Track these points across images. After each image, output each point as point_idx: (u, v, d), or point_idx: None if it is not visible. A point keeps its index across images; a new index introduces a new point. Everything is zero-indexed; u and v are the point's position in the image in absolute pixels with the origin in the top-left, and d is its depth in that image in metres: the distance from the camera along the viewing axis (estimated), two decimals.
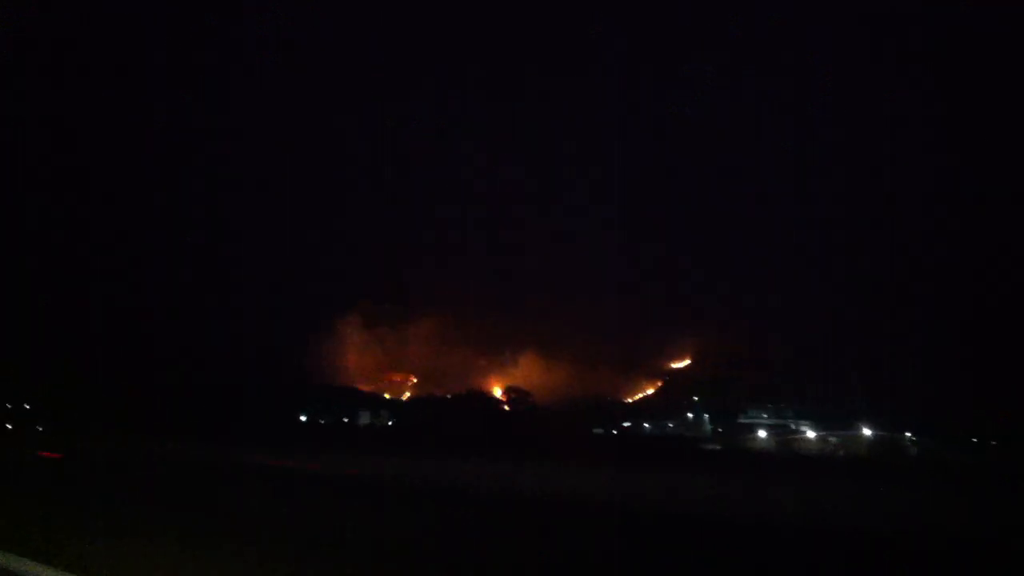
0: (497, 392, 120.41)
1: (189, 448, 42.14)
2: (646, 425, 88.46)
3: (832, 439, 64.77)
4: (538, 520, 16.26)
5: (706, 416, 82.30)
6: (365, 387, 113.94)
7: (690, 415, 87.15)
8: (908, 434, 63.13)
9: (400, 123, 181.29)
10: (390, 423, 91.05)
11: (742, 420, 76.99)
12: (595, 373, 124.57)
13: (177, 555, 11.15)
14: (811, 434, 67.69)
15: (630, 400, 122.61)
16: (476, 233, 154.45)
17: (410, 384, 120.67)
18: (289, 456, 37.42)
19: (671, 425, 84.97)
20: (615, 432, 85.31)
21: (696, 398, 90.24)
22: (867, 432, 62.51)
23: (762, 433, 71.36)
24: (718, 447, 65.54)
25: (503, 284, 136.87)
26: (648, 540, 14.00)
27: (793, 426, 70.75)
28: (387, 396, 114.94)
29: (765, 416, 74.83)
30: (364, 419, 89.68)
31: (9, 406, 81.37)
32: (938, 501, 23.32)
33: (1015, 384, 68.95)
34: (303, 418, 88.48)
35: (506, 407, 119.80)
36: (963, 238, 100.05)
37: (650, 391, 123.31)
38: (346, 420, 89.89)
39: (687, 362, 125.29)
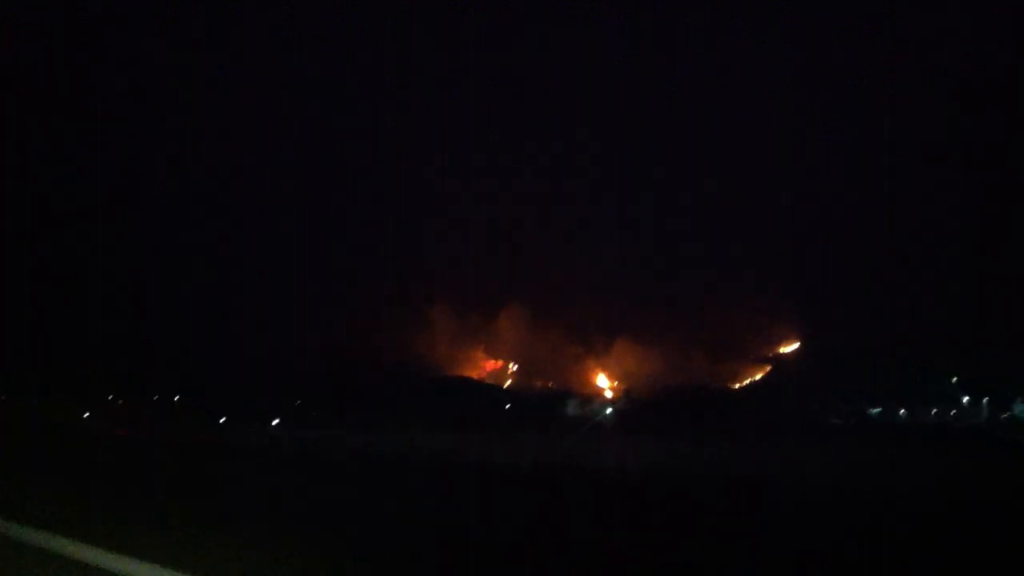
0: (601, 382, 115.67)
1: None
2: (872, 411, 79.79)
3: None
4: None
5: (985, 401, 74.55)
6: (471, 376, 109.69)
7: (966, 399, 78.48)
8: None
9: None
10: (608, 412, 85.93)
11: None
12: (694, 359, 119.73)
13: None
14: None
15: (737, 387, 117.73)
16: (562, 212, 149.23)
17: (510, 372, 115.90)
18: None
19: (934, 411, 76.76)
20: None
21: (955, 379, 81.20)
22: None
23: None
24: None
25: (592, 267, 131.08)
26: None
27: None
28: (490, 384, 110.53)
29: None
30: (572, 409, 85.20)
31: None
32: None
33: None
34: None
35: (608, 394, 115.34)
36: None
37: (758, 376, 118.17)
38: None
39: (795, 346, 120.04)
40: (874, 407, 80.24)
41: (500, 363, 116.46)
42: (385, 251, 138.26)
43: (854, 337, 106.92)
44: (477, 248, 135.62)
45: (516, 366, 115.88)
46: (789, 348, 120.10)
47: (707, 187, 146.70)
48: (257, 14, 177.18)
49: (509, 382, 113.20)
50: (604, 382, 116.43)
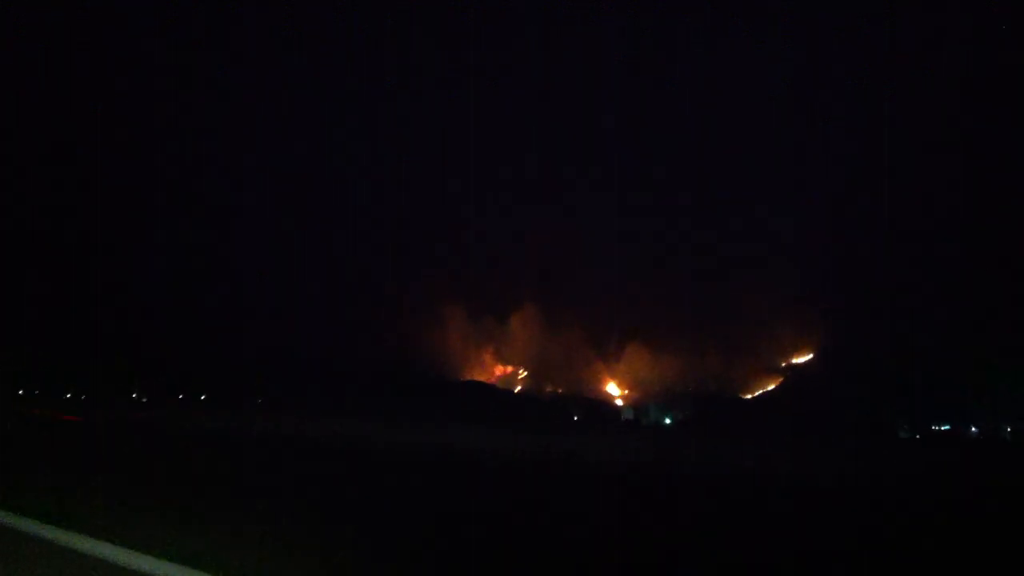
0: (611, 389, 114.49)
1: None
2: (973, 429, 75.24)
3: None
4: None
5: None
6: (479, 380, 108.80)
7: None
8: None
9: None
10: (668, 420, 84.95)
11: None
12: (706, 367, 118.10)
13: None
14: None
15: (749, 396, 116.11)
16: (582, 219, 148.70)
17: (520, 377, 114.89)
18: None
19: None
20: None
21: None
22: None
23: None
24: None
25: (606, 271, 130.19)
26: None
27: None
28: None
29: None
30: (627, 415, 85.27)
31: None
32: None
33: None
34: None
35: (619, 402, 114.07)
36: None
37: (771, 387, 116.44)
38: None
39: (809, 356, 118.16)
40: (939, 423, 76.47)
41: (510, 368, 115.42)
42: (391, 253, 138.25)
43: (875, 348, 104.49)
44: (488, 252, 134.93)
45: (526, 372, 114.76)
46: (803, 359, 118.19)
47: (710, 188, 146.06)
48: (257, 14, 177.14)
49: (519, 388, 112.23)
50: (615, 389, 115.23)
